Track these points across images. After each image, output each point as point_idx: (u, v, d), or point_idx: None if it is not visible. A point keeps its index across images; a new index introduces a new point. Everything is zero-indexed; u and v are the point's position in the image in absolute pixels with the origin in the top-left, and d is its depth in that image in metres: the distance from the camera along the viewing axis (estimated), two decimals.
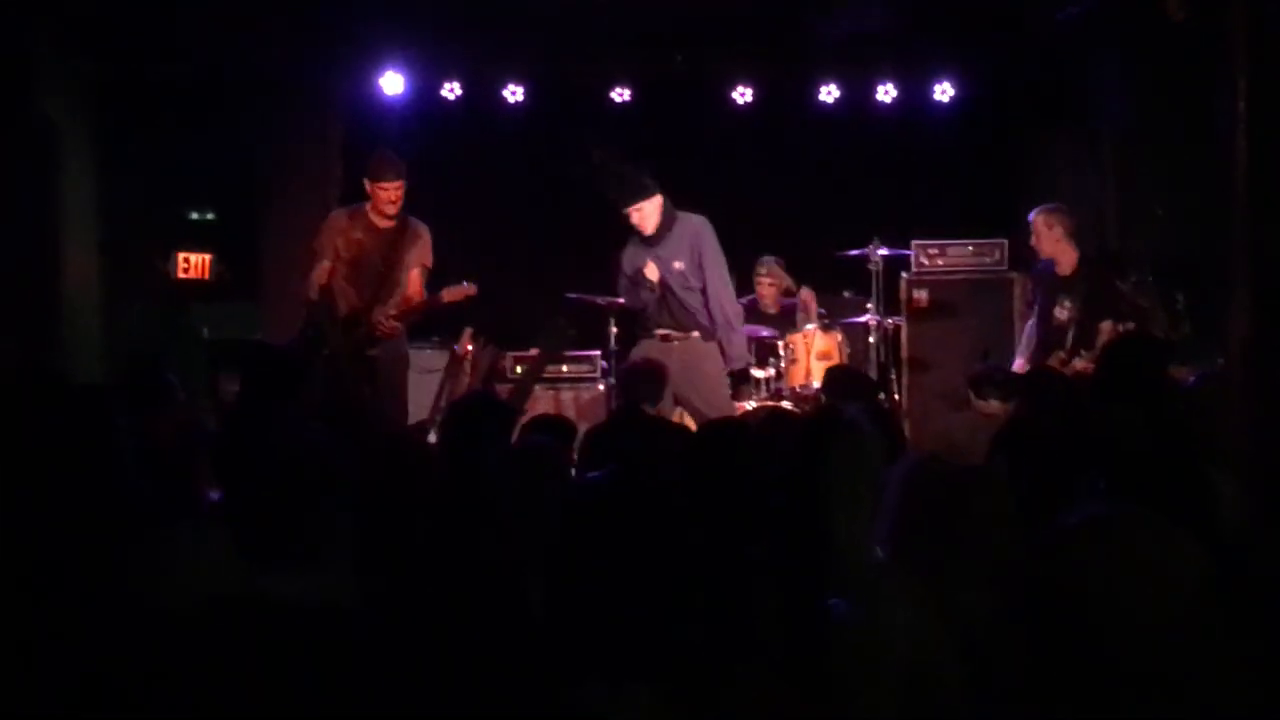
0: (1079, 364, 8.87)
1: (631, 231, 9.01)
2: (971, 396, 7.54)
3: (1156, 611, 2.42)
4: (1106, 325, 8.92)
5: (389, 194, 8.90)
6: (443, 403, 9.71)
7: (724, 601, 3.74)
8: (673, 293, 8.89)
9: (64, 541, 3.78)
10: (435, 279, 9.23)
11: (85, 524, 3.89)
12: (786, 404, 9.69)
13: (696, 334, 8.93)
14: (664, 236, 8.89)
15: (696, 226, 8.98)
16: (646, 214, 8.86)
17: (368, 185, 8.98)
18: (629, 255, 9.07)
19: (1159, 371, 5.73)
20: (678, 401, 8.85)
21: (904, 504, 3.85)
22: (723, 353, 8.92)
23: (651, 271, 8.88)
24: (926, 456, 4.03)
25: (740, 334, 9.11)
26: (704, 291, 8.89)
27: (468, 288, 9.11)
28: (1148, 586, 2.40)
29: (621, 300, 9.32)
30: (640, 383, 7.68)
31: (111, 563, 3.44)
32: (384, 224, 8.98)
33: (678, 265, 8.87)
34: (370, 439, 5.53)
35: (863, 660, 3.57)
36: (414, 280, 8.98)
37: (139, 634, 3.25)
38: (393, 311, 8.91)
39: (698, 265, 8.91)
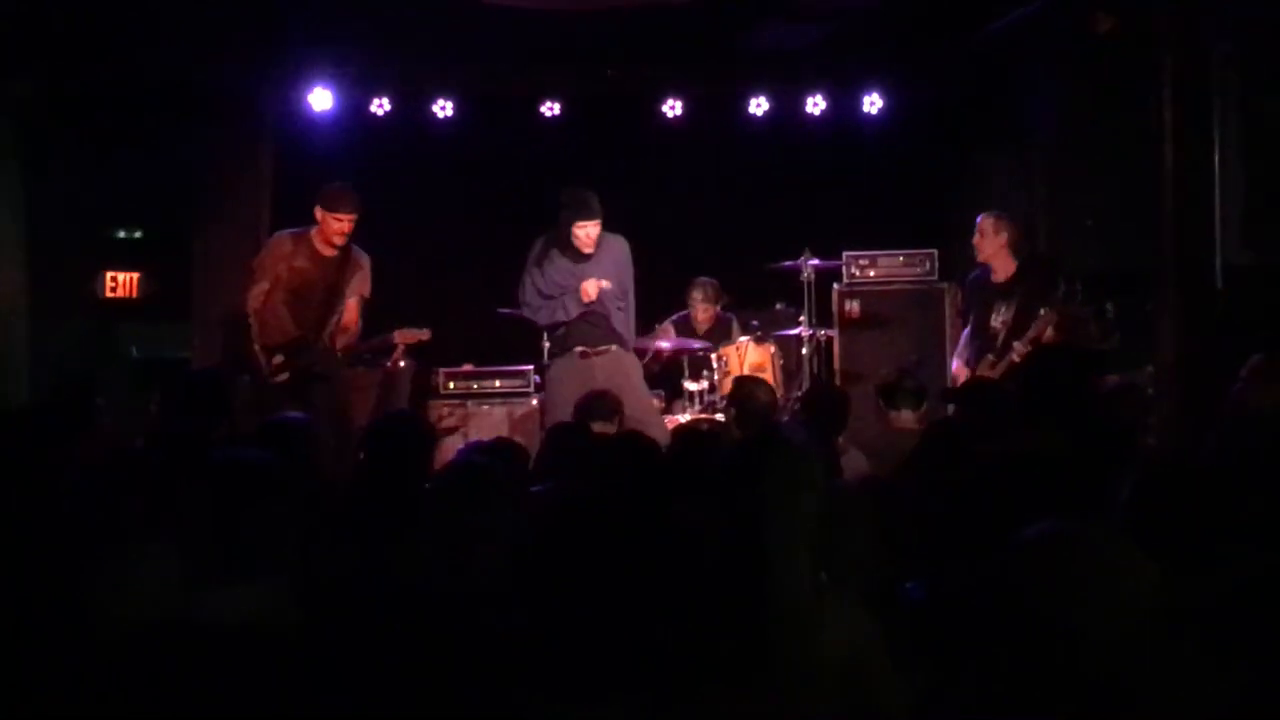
0: (1014, 356, 8.91)
1: (550, 247, 9.03)
2: (882, 406, 7.54)
3: (1109, 626, 2.42)
4: (1039, 324, 8.94)
5: (342, 225, 8.86)
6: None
7: (673, 613, 3.73)
8: (602, 308, 8.94)
9: (6, 564, 3.75)
10: (376, 294, 9.20)
11: (28, 546, 3.86)
12: (720, 416, 9.69)
13: (616, 347, 9.07)
14: (594, 255, 8.98)
15: (622, 246, 9.23)
16: (592, 233, 8.95)
17: (319, 213, 8.90)
18: (555, 270, 9.09)
19: (1081, 382, 5.75)
20: None
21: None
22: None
23: (592, 287, 8.91)
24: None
25: None
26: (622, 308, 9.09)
27: (422, 333, 9.28)
28: (1101, 601, 2.40)
29: (527, 314, 9.33)
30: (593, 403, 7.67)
31: (56, 583, 3.40)
32: (328, 252, 8.91)
33: (606, 284, 8.96)
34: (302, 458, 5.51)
35: (802, 682, 3.57)
36: (351, 310, 8.95)
37: (80, 656, 3.21)
38: (341, 344, 8.88)
39: (621, 283, 9.11)
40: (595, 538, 4.19)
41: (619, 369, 9.04)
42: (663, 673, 3.71)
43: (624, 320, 9.18)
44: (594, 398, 7.61)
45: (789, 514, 3.92)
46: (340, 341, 8.92)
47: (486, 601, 3.67)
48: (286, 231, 9.20)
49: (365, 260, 9.04)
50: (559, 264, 9.11)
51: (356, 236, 9.09)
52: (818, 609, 3.72)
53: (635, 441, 5.50)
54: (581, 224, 8.95)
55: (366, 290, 9.03)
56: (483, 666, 3.47)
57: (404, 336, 9.26)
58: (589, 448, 5.90)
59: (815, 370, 10.17)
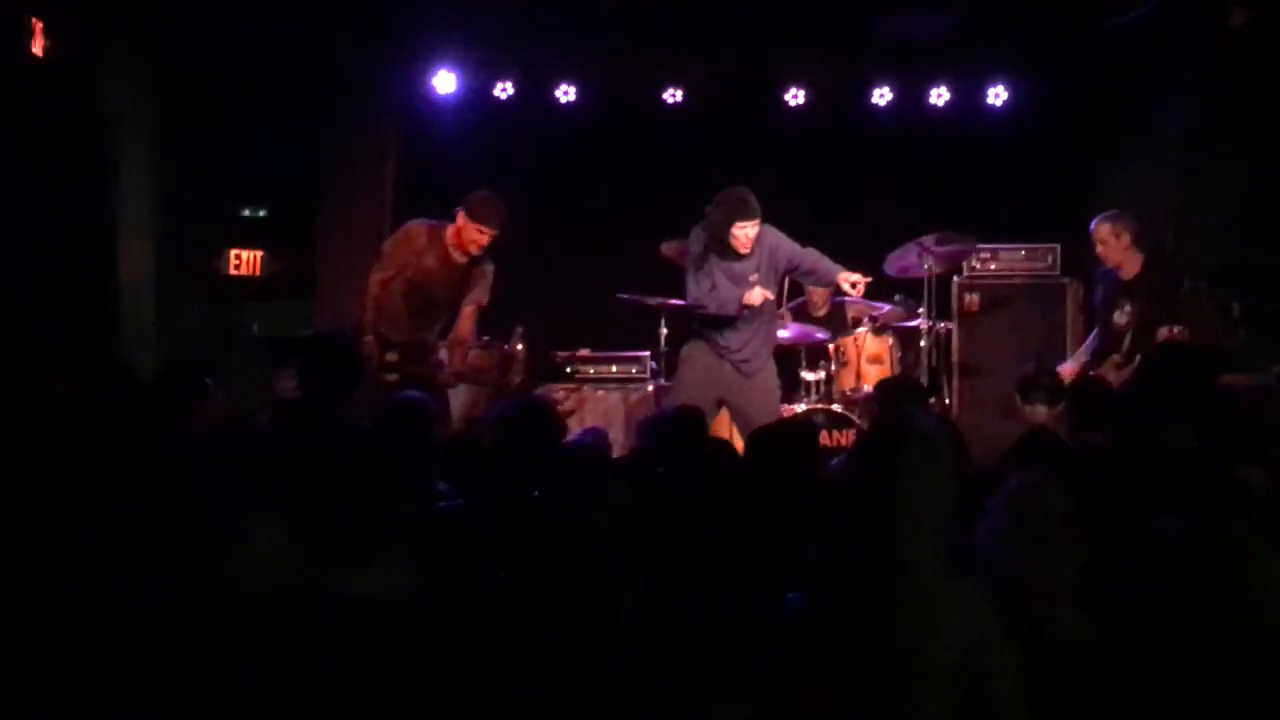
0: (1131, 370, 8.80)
1: (707, 249, 8.94)
2: (1019, 401, 7.47)
3: (1262, 627, 2.36)
4: (1163, 331, 8.84)
5: (483, 238, 8.78)
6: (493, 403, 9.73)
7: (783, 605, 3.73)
8: (757, 315, 8.96)
9: (130, 530, 3.81)
10: (495, 283, 9.21)
11: (150, 514, 3.92)
12: (836, 407, 9.66)
13: (752, 364, 9.00)
14: (753, 254, 8.91)
15: (776, 235, 9.07)
16: (751, 234, 8.86)
17: (462, 219, 8.79)
18: (716, 273, 8.95)
19: (1203, 380, 5.66)
20: (731, 413, 8.94)
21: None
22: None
23: (758, 297, 8.85)
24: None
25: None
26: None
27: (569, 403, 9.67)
28: (1253, 601, 2.35)
29: (676, 301, 9.28)
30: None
31: (174, 552, 3.46)
32: (459, 258, 8.85)
33: (754, 279, 8.88)
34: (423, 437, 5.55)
35: (918, 669, 3.55)
36: (466, 318, 8.88)
37: (200, 622, 3.26)
38: (457, 368, 8.87)
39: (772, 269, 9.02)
40: (718, 522, 4.20)
41: (742, 390, 8.94)
42: (782, 660, 3.71)
43: (773, 316, 9.17)
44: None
45: (919, 501, 3.88)
46: (455, 358, 8.87)
47: (605, 580, 3.68)
48: (423, 222, 9.03)
49: (490, 270, 8.95)
50: (719, 267, 8.94)
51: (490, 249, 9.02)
52: (940, 598, 3.69)
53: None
54: (741, 224, 8.78)
55: (485, 299, 8.96)
56: (601, 646, 3.48)
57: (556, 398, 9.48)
58: (706, 438, 5.92)
59: (933, 363, 10.08)
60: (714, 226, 8.86)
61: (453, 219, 8.87)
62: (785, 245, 9.03)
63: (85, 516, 3.90)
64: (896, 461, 3.89)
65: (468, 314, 8.91)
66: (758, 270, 8.90)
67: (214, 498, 4.01)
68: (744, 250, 8.85)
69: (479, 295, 8.92)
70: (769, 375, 9.06)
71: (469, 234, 8.76)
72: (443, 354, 9.04)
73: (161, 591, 3.38)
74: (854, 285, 8.82)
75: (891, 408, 6.99)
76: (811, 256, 9.07)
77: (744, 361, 8.95)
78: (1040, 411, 7.53)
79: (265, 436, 4.94)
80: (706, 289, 8.92)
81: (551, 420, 5.41)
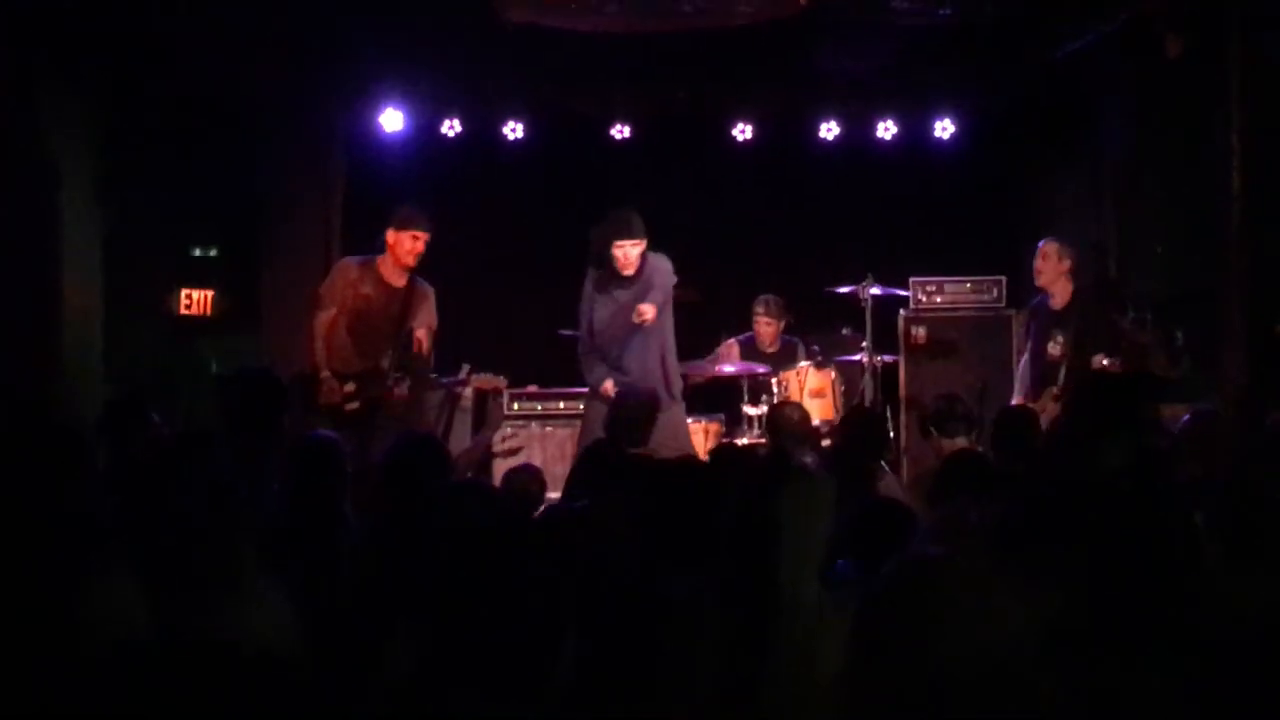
0: None
1: (596, 277, 8.96)
2: (934, 435, 7.43)
3: (978, 659, 2.36)
4: (1100, 360, 8.87)
5: (417, 244, 8.80)
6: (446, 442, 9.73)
7: (664, 632, 3.74)
8: (639, 353, 8.88)
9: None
10: (442, 317, 9.22)
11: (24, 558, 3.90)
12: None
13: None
14: (640, 278, 8.86)
15: (667, 265, 8.94)
16: (631, 254, 8.81)
17: (391, 235, 8.84)
18: (600, 303, 8.97)
19: (1135, 408, 5.67)
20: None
21: None
22: (667, 388, 8.86)
23: (649, 311, 8.73)
24: None
25: (678, 377, 9.09)
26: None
27: (499, 380, 9.38)
28: (964, 634, 2.36)
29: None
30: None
31: (37, 597, 3.44)
32: (396, 281, 8.86)
33: (646, 309, 8.79)
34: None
35: (796, 694, 3.57)
36: (421, 340, 8.89)
37: (58, 669, 3.24)
38: (406, 378, 8.85)
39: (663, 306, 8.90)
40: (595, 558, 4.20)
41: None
42: (665, 688, 3.72)
43: (661, 353, 8.97)
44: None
45: (800, 537, 3.92)
46: (405, 386, 8.87)
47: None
48: (352, 258, 9.16)
49: (429, 290, 8.97)
50: (604, 295, 8.95)
51: (426, 257, 9.07)
52: (819, 630, 3.72)
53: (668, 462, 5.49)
54: (619, 243, 8.76)
55: (433, 321, 8.95)
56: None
57: (480, 383, 9.33)
58: (622, 467, 5.91)
59: (874, 396, 10.10)
60: (595, 248, 8.88)
61: (381, 250, 8.93)
62: (661, 276, 8.89)
63: None
64: (780, 497, 3.93)
65: (422, 335, 8.92)
66: (651, 299, 8.76)
67: (93, 539, 3.98)
68: (626, 270, 8.78)
69: (426, 318, 8.93)
70: (675, 411, 8.93)
71: (403, 245, 8.83)
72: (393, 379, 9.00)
73: (22, 638, 3.36)
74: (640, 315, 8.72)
75: (850, 443, 7.00)
76: (668, 334, 9.00)
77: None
78: (959, 442, 7.52)
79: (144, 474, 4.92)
80: (588, 316, 8.94)
81: (439, 455, 5.40)
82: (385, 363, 8.87)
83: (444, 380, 9.79)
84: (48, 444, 4.98)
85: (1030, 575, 2.99)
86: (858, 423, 7.58)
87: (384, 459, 5.26)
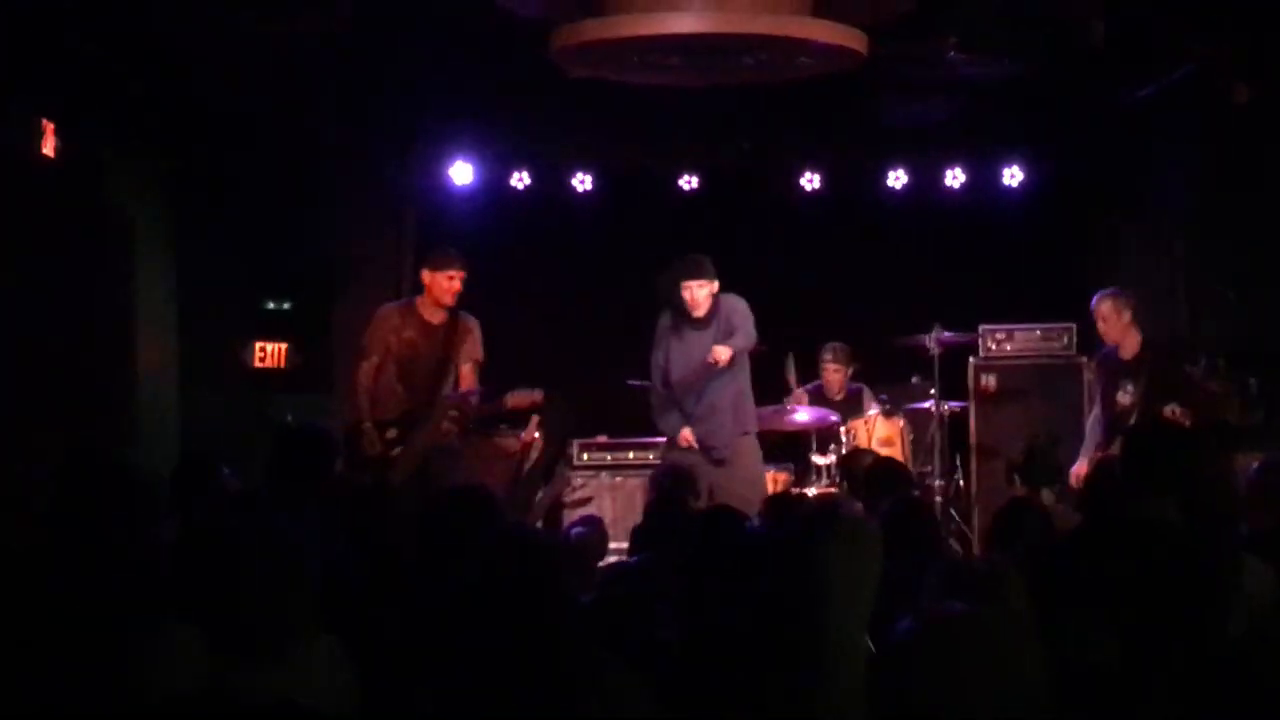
0: None
1: (668, 322, 9.04)
2: (1018, 484, 7.40)
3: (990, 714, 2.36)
4: (1172, 410, 8.77)
5: (453, 283, 8.92)
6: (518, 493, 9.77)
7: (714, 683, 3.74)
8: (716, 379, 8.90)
9: (72, 627, 3.85)
10: (508, 370, 9.28)
11: (97, 612, 3.95)
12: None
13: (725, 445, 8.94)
14: (713, 320, 8.93)
15: (741, 305, 9.07)
16: (698, 295, 8.90)
17: (427, 277, 9.01)
18: (676, 345, 9.05)
19: (1187, 458, 5.58)
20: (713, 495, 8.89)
21: None
22: (740, 425, 8.91)
23: (724, 354, 8.83)
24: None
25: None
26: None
27: (535, 394, 9.21)
28: (977, 691, 2.36)
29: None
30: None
31: (91, 656, 3.48)
32: (437, 319, 8.97)
33: (721, 352, 8.87)
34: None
35: None
36: (467, 376, 8.97)
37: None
38: (453, 413, 8.91)
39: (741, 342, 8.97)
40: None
41: (718, 481, 8.82)
42: None
43: (737, 397, 9.03)
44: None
45: (848, 589, 3.91)
46: (451, 414, 8.90)
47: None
48: (391, 304, 9.32)
49: (474, 323, 9.07)
50: (677, 339, 9.02)
51: (494, 306, 9.15)
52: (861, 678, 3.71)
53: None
54: (687, 283, 8.86)
55: (479, 354, 9.04)
56: None
57: (516, 400, 9.15)
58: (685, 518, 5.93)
59: (943, 444, 10.06)
60: (665, 292, 8.97)
61: (418, 292, 9.10)
62: (740, 317, 8.98)
63: (34, 608, 3.95)
64: (828, 548, 3.92)
65: (467, 371, 9.01)
66: (723, 339, 8.88)
67: (156, 591, 4.03)
68: (697, 312, 8.87)
69: (472, 351, 9.02)
70: (748, 463, 8.97)
71: (439, 285, 8.95)
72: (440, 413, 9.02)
73: (81, 693, 3.41)
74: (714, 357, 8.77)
75: (872, 491, 6.97)
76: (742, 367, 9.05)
77: (712, 449, 8.89)
78: (1048, 495, 7.48)
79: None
80: (661, 361, 8.95)
81: (487, 508, 5.41)
82: (435, 401, 8.92)
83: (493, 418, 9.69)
84: (115, 493, 5.06)
85: (1057, 631, 2.98)
86: (856, 467, 7.53)
87: (425, 514, 5.29)
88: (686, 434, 8.86)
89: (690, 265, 8.91)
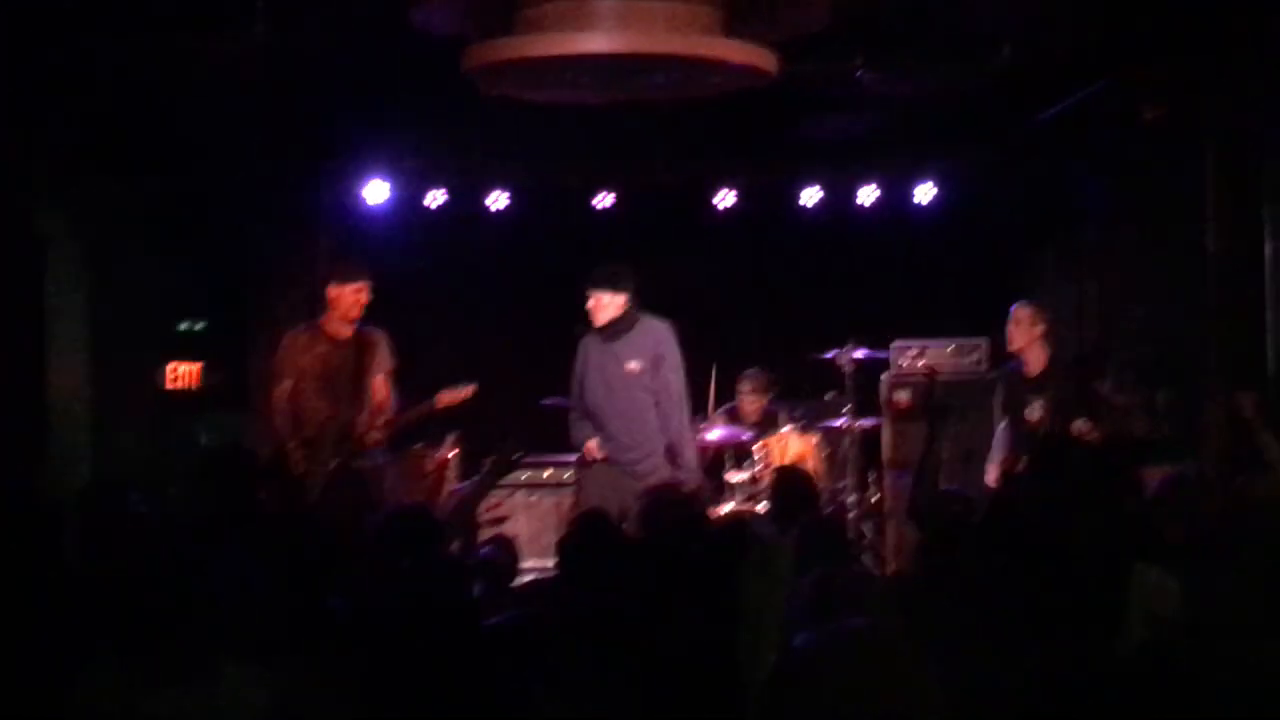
0: None
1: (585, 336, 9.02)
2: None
3: None
4: (1080, 425, 8.84)
5: (360, 296, 8.88)
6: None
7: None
8: (627, 415, 8.89)
9: None
10: (424, 385, 9.24)
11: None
12: (761, 508, 9.65)
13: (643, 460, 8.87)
14: (628, 339, 8.90)
15: (661, 331, 9.01)
16: (594, 305, 8.87)
17: (333, 292, 8.95)
18: (585, 358, 9.07)
19: (1090, 477, 5.67)
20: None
21: None
22: (675, 461, 8.84)
23: (595, 449, 8.85)
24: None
25: (692, 447, 9.03)
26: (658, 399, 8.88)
27: (466, 390, 9.10)
28: (864, 708, 2.38)
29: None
30: None
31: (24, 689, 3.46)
32: (344, 333, 8.94)
33: (631, 366, 8.87)
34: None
35: None
36: (380, 386, 8.94)
37: None
38: (380, 421, 8.87)
39: (657, 369, 8.91)
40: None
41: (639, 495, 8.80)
42: None
43: (662, 415, 8.96)
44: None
45: (758, 608, 3.94)
46: (379, 423, 8.88)
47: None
48: (295, 328, 9.23)
49: (381, 335, 9.03)
50: (587, 353, 9.04)
51: (408, 325, 9.09)
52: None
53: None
54: (590, 291, 8.89)
55: (389, 364, 8.99)
56: None
57: (447, 398, 9.03)
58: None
59: (857, 461, 10.12)
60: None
61: (323, 309, 9.04)
62: (674, 363, 8.97)
63: None
64: (739, 566, 3.95)
65: (380, 382, 8.96)
66: (639, 360, 8.87)
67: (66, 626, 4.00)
68: (595, 321, 8.86)
69: (383, 363, 8.98)
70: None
71: (346, 299, 8.91)
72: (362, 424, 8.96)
73: None
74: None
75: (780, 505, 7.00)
76: (672, 402, 8.98)
77: (634, 462, 8.86)
78: None
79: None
80: (576, 384, 8.99)
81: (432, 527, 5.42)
82: (358, 415, 8.87)
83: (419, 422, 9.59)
84: (17, 529, 5.01)
85: (948, 643, 3.01)
86: (783, 485, 7.55)
87: (370, 534, 5.28)
88: (591, 445, 8.86)
89: (594, 273, 8.91)
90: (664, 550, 4.60)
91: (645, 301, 9.24)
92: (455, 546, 9.20)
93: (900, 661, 2.44)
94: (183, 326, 12.34)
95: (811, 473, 9.75)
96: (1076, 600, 3.98)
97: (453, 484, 10.50)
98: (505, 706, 3.50)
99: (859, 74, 9.14)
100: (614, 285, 8.85)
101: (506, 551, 7.26)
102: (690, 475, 8.96)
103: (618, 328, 8.86)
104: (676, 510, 7.40)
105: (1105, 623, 4.04)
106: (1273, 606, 4.72)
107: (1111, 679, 3.16)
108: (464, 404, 9.20)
